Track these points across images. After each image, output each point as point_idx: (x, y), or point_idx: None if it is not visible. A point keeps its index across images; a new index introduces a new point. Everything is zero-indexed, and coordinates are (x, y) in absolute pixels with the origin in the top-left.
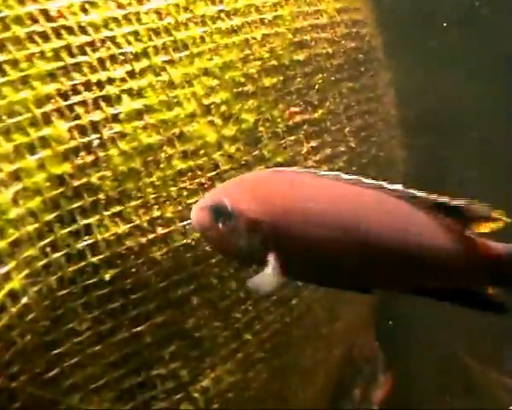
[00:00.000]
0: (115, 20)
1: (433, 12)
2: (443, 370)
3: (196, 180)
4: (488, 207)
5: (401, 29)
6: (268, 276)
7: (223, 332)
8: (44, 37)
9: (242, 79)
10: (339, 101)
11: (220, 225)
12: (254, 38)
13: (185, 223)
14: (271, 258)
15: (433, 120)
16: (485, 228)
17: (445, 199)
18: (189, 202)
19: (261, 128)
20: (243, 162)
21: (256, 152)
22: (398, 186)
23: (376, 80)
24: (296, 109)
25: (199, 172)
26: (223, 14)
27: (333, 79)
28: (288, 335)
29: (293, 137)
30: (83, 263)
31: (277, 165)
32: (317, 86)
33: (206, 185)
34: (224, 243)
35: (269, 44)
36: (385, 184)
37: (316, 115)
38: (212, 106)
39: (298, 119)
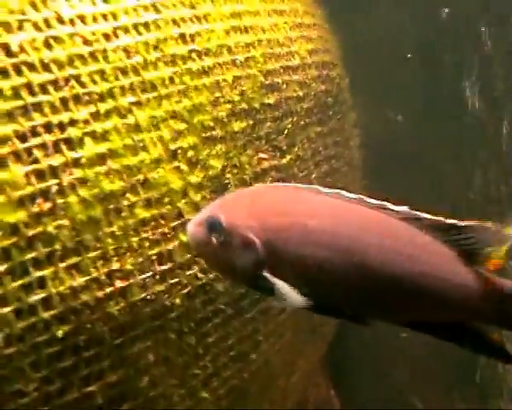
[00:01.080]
0: (81, 57)
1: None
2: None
3: (159, 230)
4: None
5: (364, 68)
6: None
7: (179, 390)
8: (3, 73)
9: (211, 123)
10: (307, 146)
11: (214, 241)
12: (225, 80)
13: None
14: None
15: (392, 161)
16: (497, 256)
17: (453, 221)
18: (150, 253)
19: (228, 175)
20: None
21: None
22: (404, 208)
23: (343, 123)
24: (265, 156)
25: (162, 222)
26: (194, 54)
27: (302, 123)
28: (244, 390)
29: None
30: (33, 319)
31: None
32: (286, 131)
33: (168, 235)
34: (218, 260)
35: (240, 87)
36: (389, 204)
37: (284, 161)
38: (179, 151)
39: (266, 165)
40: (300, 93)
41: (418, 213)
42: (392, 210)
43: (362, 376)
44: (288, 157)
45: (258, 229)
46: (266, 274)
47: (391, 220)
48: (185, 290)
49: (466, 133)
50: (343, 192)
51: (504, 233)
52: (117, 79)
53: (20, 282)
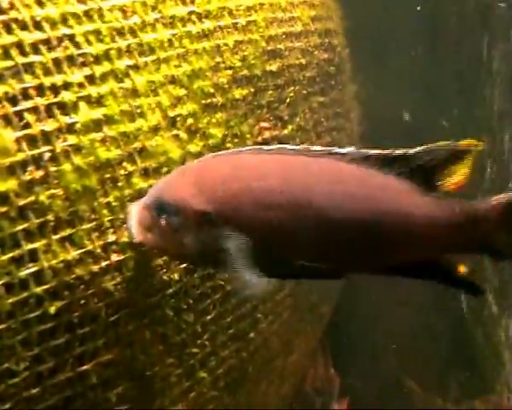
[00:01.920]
0: (75, 15)
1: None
2: (386, 394)
3: None
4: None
5: (367, 40)
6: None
7: (176, 370)
8: None
9: (211, 90)
10: (309, 116)
11: (164, 224)
12: (226, 45)
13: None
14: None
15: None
16: (457, 174)
17: (403, 150)
18: None
19: (229, 144)
20: None
21: None
22: (350, 149)
23: (344, 94)
24: (266, 125)
25: None
26: (194, 17)
27: (304, 92)
28: (242, 370)
29: None
30: (25, 294)
31: None
32: (288, 100)
33: None
34: (173, 245)
35: (241, 52)
36: (335, 148)
37: (285, 132)
38: (178, 118)
39: (267, 135)
40: (303, 61)
41: (365, 150)
42: (339, 153)
43: (357, 359)
44: (290, 127)
45: (208, 201)
46: (226, 237)
47: (339, 165)
48: (184, 265)
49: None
50: (285, 146)
51: (461, 147)
52: (113, 40)
53: (10, 255)
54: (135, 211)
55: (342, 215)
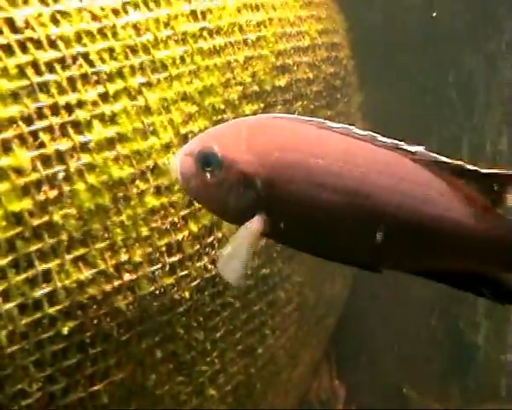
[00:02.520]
0: (89, 34)
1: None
2: (384, 400)
3: (169, 219)
4: None
5: (370, 52)
6: (244, 237)
7: (186, 388)
8: (8, 50)
9: (222, 106)
10: None
11: (207, 176)
12: (236, 61)
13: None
14: (258, 218)
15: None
16: None
17: (472, 166)
18: (160, 243)
19: None
20: None
21: None
22: (419, 148)
23: (349, 106)
24: None
25: (172, 210)
26: (205, 33)
27: (311, 106)
28: (250, 386)
29: None
30: (38, 315)
31: None
32: (296, 114)
33: (178, 225)
34: (210, 198)
35: (251, 68)
36: (404, 144)
37: None
38: (190, 135)
39: None
40: (310, 75)
41: (435, 154)
42: (407, 150)
43: (358, 368)
44: None
45: (258, 165)
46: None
47: (404, 161)
48: (194, 283)
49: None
50: (353, 128)
51: None
52: (127, 57)
53: (24, 275)
54: (179, 155)
55: (398, 213)
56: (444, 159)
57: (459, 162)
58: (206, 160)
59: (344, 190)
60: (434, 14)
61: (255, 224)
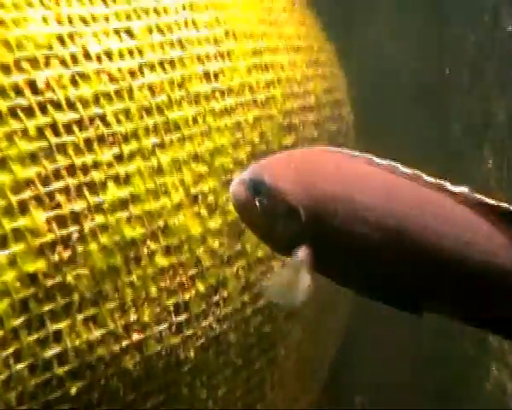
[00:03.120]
0: (107, 95)
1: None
2: None
3: (177, 279)
4: None
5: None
6: (291, 267)
7: None
8: (29, 112)
9: (231, 166)
10: None
11: (257, 203)
12: (246, 121)
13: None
14: (303, 251)
15: None
16: None
17: None
18: (168, 303)
19: None
20: (225, 258)
21: (238, 246)
22: (463, 189)
23: None
24: None
25: (180, 271)
26: (217, 93)
27: None
28: None
29: None
30: (48, 375)
31: (257, 260)
32: None
33: (186, 285)
34: (259, 225)
35: (259, 128)
36: (448, 184)
37: None
38: (200, 195)
39: None
40: (315, 134)
41: (479, 196)
42: (451, 191)
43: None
44: None
45: (304, 196)
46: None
47: (448, 201)
48: (200, 342)
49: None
50: (398, 165)
51: None
52: (141, 118)
53: (36, 336)
54: (235, 182)
55: (440, 255)
56: (489, 200)
57: (505, 204)
58: (256, 187)
59: (385, 228)
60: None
61: (301, 254)
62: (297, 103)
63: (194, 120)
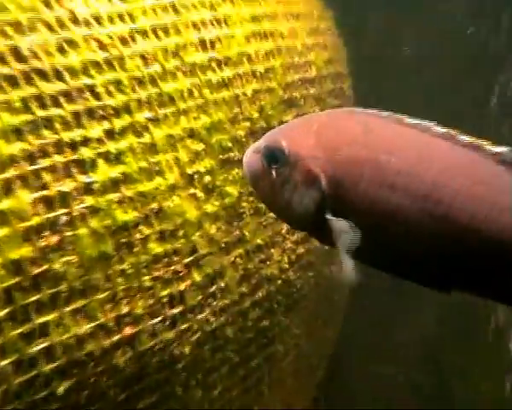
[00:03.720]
0: (96, 64)
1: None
2: None
3: (172, 267)
4: None
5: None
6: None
7: None
8: (12, 82)
9: (229, 144)
10: None
11: (273, 174)
12: (245, 94)
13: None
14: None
15: None
16: None
17: None
18: (162, 294)
19: (244, 203)
20: (223, 245)
21: (237, 232)
22: (504, 149)
23: None
24: None
25: (175, 258)
26: (214, 63)
27: None
28: None
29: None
30: (33, 372)
31: (256, 248)
32: None
33: (181, 274)
34: (275, 197)
35: (259, 102)
36: (487, 144)
37: None
38: (196, 176)
39: None
40: (317, 109)
41: None
42: (490, 151)
43: None
44: None
45: (325, 162)
46: (330, 217)
47: (487, 164)
48: (195, 337)
49: None
50: (431, 124)
51: None
52: (133, 90)
53: (20, 330)
54: (249, 151)
55: (475, 223)
56: None
57: None
58: (272, 155)
59: (414, 194)
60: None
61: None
62: (298, 75)
63: (190, 93)
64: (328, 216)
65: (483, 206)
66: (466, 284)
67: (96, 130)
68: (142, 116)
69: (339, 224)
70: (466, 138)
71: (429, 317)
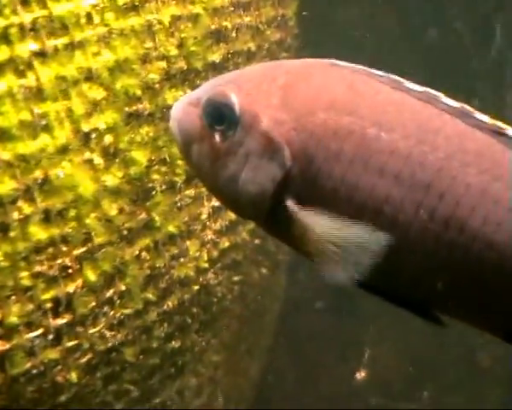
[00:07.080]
0: None
1: None
2: None
3: (58, 261)
4: None
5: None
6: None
7: None
8: None
9: (138, 92)
10: None
11: (217, 137)
12: (160, 22)
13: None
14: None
15: None
16: None
17: None
18: (44, 297)
19: (154, 175)
20: (125, 232)
21: (143, 215)
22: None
23: None
24: None
25: (63, 248)
26: None
27: None
28: None
29: (192, 192)
30: None
31: (168, 237)
32: None
33: (70, 270)
34: (216, 169)
35: (178, 34)
36: (508, 128)
37: None
38: (93, 135)
39: None
40: (252, 46)
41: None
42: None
43: None
44: None
45: (292, 128)
46: (293, 205)
47: (504, 152)
48: (85, 359)
49: None
50: (441, 95)
51: None
52: (14, 11)
53: None
54: (180, 104)
55: (487, 233)
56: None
57: None
58: (216, 112)
59: (410, 183)
60: None
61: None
62: None
63: (88, 18)
64: (290, 203)
65: (498, 209)
66: (457, 311)
67: None
68: (24, 48)
69: (304, 215)
70: (482, 117)
71: None
